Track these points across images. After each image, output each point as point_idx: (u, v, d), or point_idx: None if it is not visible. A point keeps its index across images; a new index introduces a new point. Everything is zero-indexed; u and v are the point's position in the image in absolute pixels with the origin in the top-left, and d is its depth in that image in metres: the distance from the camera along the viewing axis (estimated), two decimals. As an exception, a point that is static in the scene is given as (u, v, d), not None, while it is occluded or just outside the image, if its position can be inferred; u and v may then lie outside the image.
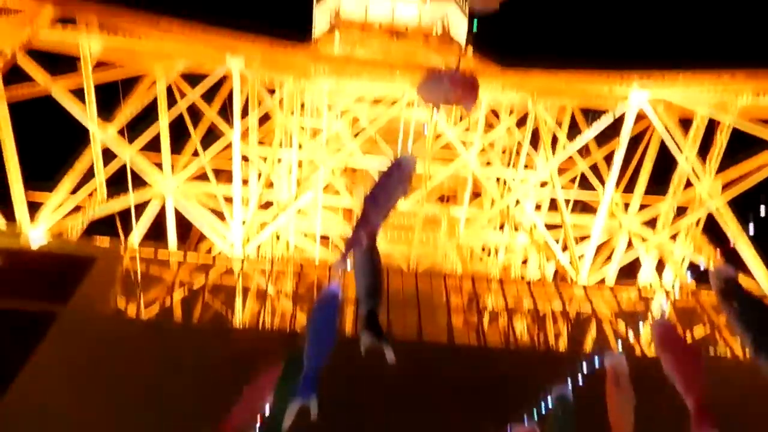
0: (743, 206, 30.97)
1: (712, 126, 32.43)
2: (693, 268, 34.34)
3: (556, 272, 39.45)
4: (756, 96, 30.31)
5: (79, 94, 31.35)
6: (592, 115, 34.42)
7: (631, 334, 25.60)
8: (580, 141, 32.51)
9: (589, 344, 25.08)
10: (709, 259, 32.59)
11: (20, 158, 28.85)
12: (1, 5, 28.73)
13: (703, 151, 32.74)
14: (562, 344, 27.39)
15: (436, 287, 24.16)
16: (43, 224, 29.44)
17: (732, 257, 30.10)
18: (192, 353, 17.76)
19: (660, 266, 35.49)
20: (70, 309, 20.00)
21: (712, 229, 32.97)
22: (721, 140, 32.35)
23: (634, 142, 35.14)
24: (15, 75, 29.41)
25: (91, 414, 16.79)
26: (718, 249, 32.70)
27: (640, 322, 26.56)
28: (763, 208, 6.89)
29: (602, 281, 32.27)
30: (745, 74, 27.81)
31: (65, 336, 18.76)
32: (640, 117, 32.60)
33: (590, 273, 30.39)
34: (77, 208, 32.31)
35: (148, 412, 16.82)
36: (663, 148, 32.72)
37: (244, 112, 35.99)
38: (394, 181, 8.31)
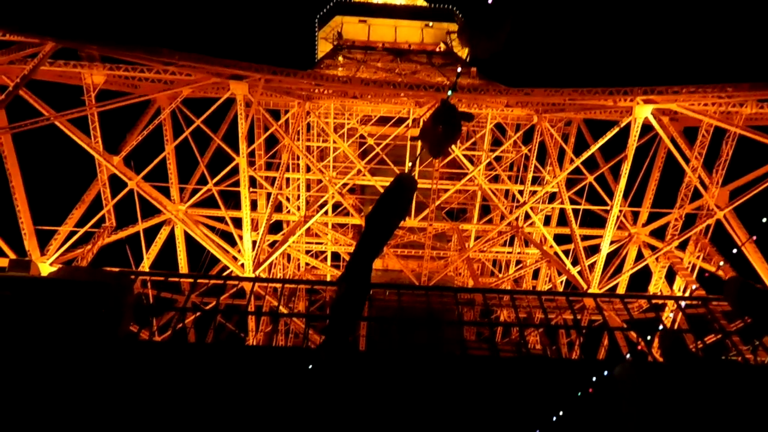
0: (752, 215, 30.89)
1: (719, 137, 32.48)
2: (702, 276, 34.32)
3: (567, 284, 39.46)
4: (760, 107, 30.38)
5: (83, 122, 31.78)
6: None
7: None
8: (586, 154, 32.62)
9: (600, 353, 25.00)
10: (717, 266, 32.46)
11: (29, 190, 29.05)
12: (1, 38, 29.04)
13: (712, 161, 32.80)
14: (574, 353, 27.39)
15: (448, 301, 24.11)
16: (53, 255, 29.56)
17: (740, 264, 30.08)
18: (205, 372, 17.76)
19: (670, 276, 35.45)
20: (82, 335, 20.01)
21: (722, 238, 32.91)
22: (727, 150, 32.37)
23: (644, 154, 35.28)
24: (20, 107, 29.71)
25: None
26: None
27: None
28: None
29: (613, 291, 32.20)
30: (748, 86, 27.92)
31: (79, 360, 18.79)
32: (647, 129, 32.70)
33: (601, 284, 30.36)
34: (87, 238, 32.53)
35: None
36: (673, 160, 32.76)
37: (251, 136, 36.32)
38: (395, 200, 8.51)
